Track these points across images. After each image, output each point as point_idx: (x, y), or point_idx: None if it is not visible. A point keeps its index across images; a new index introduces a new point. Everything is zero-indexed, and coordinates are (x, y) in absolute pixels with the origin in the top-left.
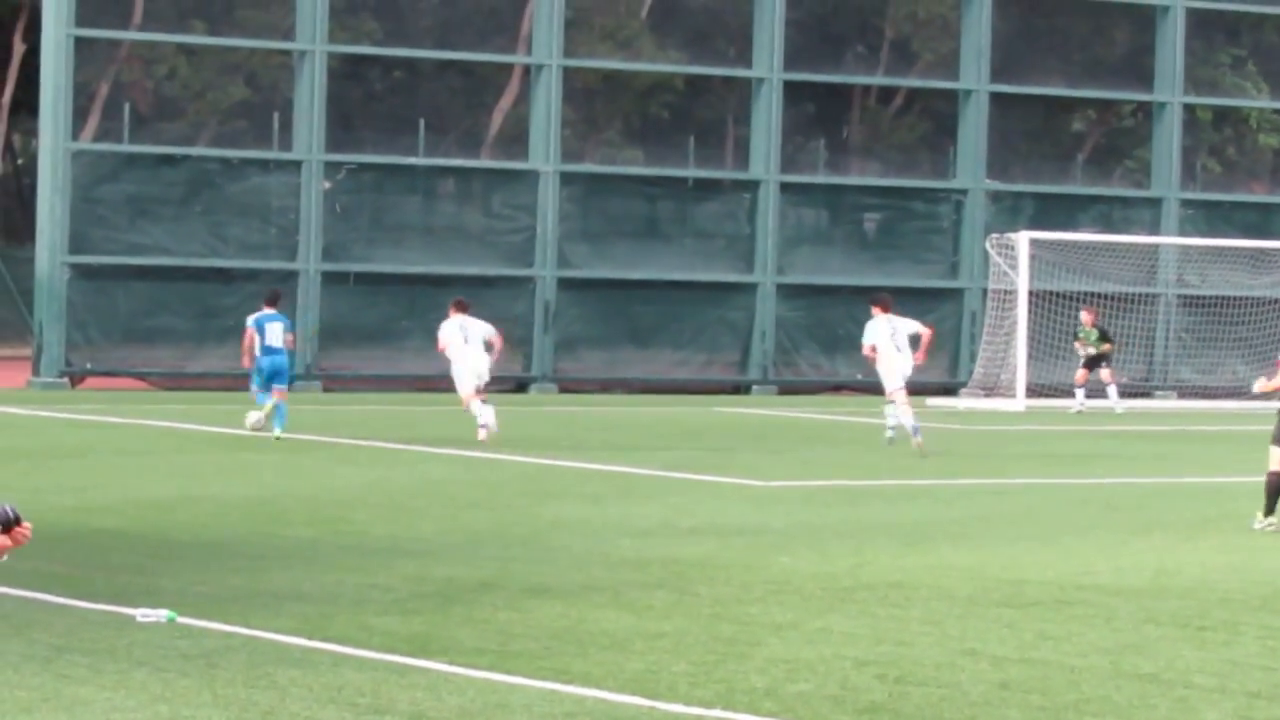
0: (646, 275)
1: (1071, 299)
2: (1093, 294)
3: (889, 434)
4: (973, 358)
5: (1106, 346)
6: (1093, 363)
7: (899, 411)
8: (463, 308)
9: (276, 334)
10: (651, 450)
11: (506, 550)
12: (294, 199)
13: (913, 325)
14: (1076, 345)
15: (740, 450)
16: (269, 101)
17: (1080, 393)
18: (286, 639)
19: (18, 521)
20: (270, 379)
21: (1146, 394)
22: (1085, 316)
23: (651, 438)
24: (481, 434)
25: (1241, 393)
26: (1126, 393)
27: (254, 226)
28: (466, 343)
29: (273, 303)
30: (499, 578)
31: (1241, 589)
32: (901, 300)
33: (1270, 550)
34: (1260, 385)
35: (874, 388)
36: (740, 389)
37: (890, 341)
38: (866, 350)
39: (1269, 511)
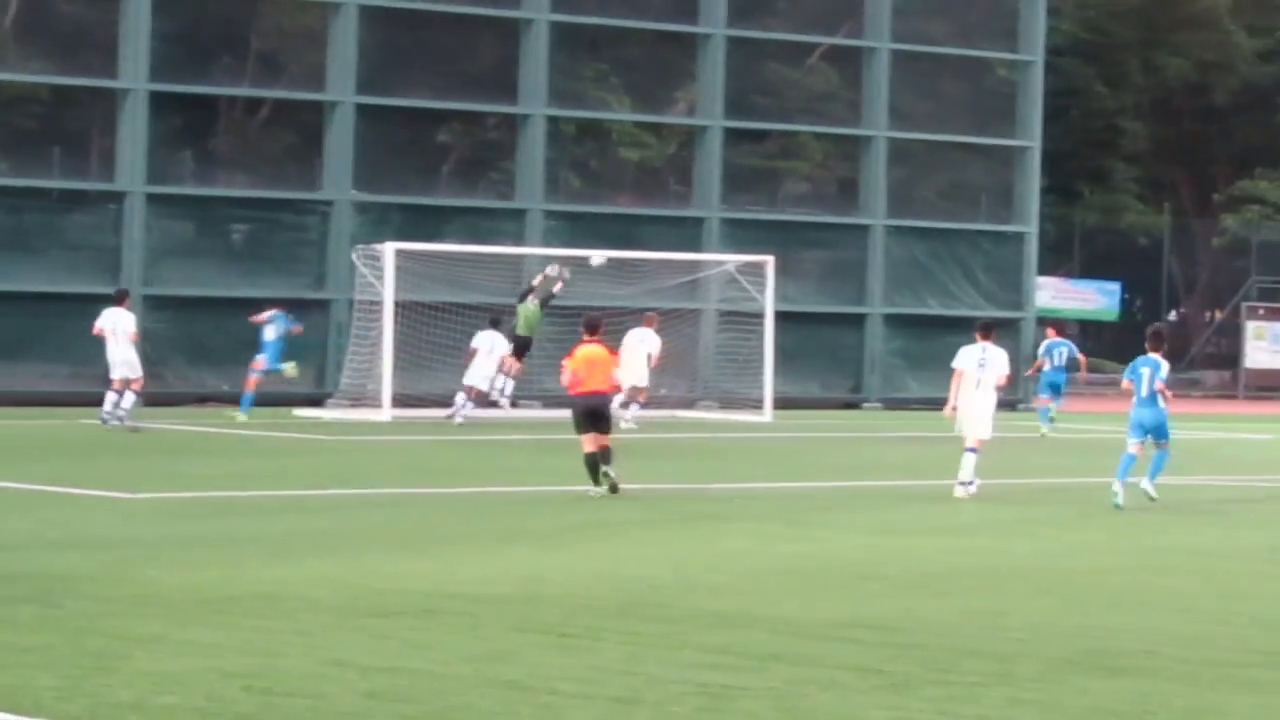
0: (12, 288)
1: (438, 310)
2: (460, 305)
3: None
4: (340, 368)
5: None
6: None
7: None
8: None
9: None
10: (17, 464)
11: None
12: None
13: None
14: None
15: (107, 462)
16: None
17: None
18: None
19: None
20: None
21: (495, 404)
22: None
23: (17, 451)
24: None
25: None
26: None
27: None
28: None
29: None
30: None
31: (605, 596)
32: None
33: (632, 559)
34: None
35: (236, 399)
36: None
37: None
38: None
39: (596, 482)
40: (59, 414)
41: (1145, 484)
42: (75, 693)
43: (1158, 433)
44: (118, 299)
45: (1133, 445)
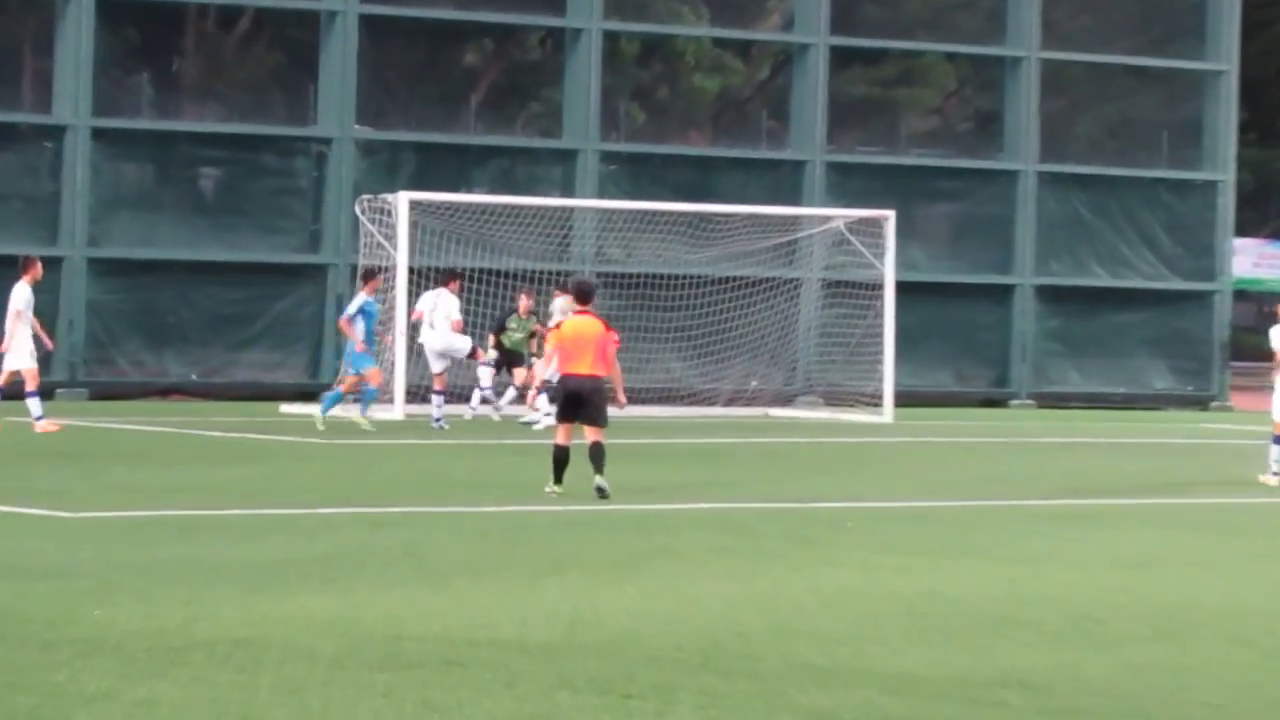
0: None
1: (467, 276)
2: (492, 271)
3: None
4: (339, 353)
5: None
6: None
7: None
8: None
9: None
10: None
11: None
12: None
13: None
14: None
15: (44, 472)
16: None
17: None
18: None
19: None
20: None
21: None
22: (524, 302)
23: None
24: None
25: (676, 395)
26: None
27: None
28: None
29: None
30: None
31: (676, 644)
32: (252, 279)
33: (713, 597)
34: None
35: (208, 391)
36: (43, 394)
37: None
38: None
39: (557, 480)
40: None
41: None
42: None
43: None
44: (445, 279)
45: None
